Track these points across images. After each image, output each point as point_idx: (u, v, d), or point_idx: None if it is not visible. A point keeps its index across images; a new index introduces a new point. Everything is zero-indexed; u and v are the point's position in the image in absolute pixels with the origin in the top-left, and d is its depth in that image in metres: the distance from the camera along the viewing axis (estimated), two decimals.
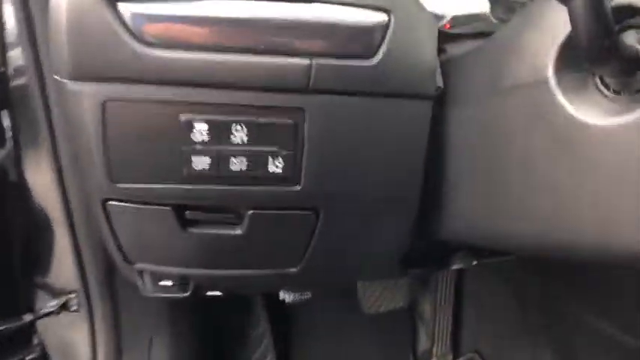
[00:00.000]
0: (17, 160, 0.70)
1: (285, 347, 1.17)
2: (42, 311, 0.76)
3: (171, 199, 0.48)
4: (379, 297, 1.15)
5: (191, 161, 0.46)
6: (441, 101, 0.49)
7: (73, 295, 0.76)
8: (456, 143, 0.49)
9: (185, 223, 0.51)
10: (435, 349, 1.24)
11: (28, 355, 0.81)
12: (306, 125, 0.46)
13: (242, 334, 1.12)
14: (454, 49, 0.51)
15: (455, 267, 0.73)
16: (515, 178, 0.41)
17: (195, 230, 0.51)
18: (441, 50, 0.49)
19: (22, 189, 0.72)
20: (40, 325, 0.79)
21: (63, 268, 0.73)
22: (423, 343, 1.25)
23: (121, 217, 0.49)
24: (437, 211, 0.54)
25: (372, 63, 0.45)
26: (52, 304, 0.77)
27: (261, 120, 0.45)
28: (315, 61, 0.44)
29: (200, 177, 0.47)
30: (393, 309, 1.16)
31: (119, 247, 0.53)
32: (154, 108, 0.44)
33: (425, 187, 0.52)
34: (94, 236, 0.66)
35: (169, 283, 0.58)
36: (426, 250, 0.66)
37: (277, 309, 1.12)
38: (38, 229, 0.72)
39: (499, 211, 0.45)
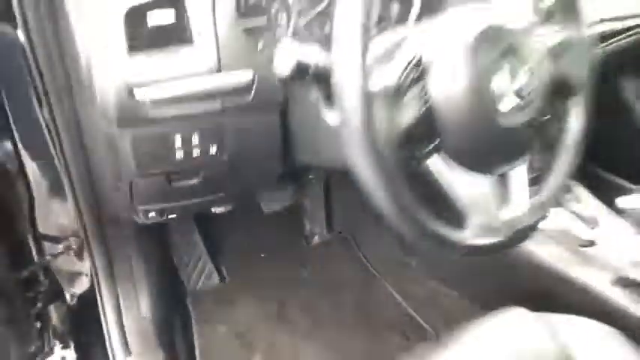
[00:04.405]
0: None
1: (213, 246, 1.58)
2: (54, 253, 1.10)
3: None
4: (273, 200, 1.55)
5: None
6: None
7: (74, 239, 1.11)
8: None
9: (170, 180, 0.83)
10: (316, 230, 1.72)
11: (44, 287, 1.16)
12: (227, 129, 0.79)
13: (183, 247, 1.53)
14: None
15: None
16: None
17: (175, 184, 0.84)
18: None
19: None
20: (53, 266, 1.13)
21: (65, 220, 1.06)
22: (307, 228, 1.72)
23: (139, 184, 0.84)
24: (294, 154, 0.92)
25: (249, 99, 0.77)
26: (60, 247, 1.11)
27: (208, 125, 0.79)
28: (226, 103, 0.75)
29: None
30: (283, 208, 1.57)
31: (132, 198, 0.86)
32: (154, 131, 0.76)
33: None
34: (89, 196, 0.94)
35: (154, 214, 0.93)
36: (294, 169, 0.99)
37: (206, 222, 1.53)
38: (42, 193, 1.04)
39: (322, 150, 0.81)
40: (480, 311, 0.95)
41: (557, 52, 0.69)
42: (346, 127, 0.54)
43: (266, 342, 1.44)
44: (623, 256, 1.06)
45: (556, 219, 1.15)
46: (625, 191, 1.81)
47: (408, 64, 0.59)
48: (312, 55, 0.61)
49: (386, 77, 0.58)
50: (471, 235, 0.64)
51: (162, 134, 0.75)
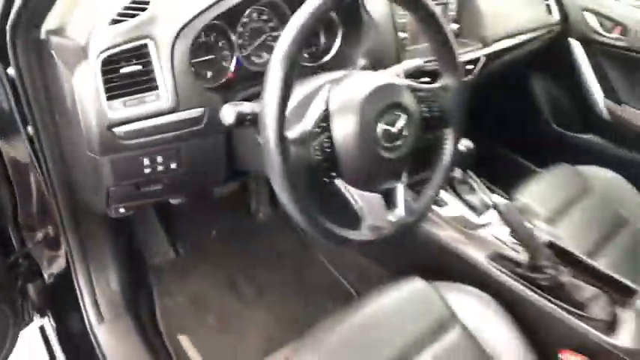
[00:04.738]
0: None
1: (170, 226, 1.77)
2: (35, 240, 1.28)
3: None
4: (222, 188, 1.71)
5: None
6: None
7: (51, 227, 1.29)
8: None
9: (139, 187, 1.02)
10: (260, 208, 1.93)
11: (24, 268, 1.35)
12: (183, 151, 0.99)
13: (144, 229, 1.72)
14: None
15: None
16: None
17: (142, 189, 1.03)
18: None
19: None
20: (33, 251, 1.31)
21: (45, 212, 1.23)
22: (253, 207, 1.93)
23: (114, 191, 1.02)
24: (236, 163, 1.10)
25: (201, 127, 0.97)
26: (39, 235, 1.30)
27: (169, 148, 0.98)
28: (183, 131, 0.95)
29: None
30: (231, 191, 1.76)
31: (107, 201, 1.05)
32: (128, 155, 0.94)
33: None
34: (66, 193, 1.13)
35: (123, 209, 1.12)
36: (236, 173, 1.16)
37: (163, 207, 1.70)
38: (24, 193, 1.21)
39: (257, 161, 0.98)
40: (392, 278, 1.15)
41: (437, 96, 0.93)
42: (268, 161, 0.75)
43: (217, 307, 1.63)
44: (500, 238, 1.28)
45: (453, 207, 1.37)
46: (531, 172, 2.12)
47: (320, 113, 0.81)
48: (248, 108, 0.82)
49: (303, 124, 0.80)
50: (365, 233, 0.87)
51: (134, 157, 0.94)
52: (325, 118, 0.81)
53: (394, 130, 0.83)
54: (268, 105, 0.72)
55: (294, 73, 0.74)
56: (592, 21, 1.87)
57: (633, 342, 0.99)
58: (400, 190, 0.91)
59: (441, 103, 0.93)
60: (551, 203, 1.50)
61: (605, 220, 1.51)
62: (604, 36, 1.85)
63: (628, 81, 1.88)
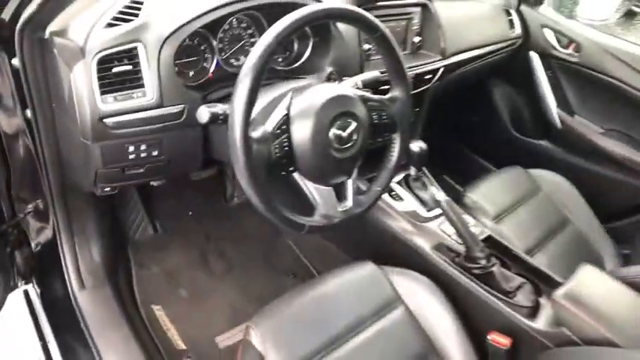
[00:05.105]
0: None
1: (149, 205, 1.88)
2: (25, 211, 1.41)
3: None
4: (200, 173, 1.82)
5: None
6: None
7: (40, 200, 1.41)
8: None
9: (124, 170, 1.13)
10: (236, 193, 2.04)
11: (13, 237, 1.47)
12: (165, 140, 1.11)
13: (125, 206, 1.83)
14: None
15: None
16: None
17: (127, 172, 1.14)
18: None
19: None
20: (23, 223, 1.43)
21: (35, 186, 1.35)
22: (229, 192, 2.04)
23: (102, 172, 1.14)
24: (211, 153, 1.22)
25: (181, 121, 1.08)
26: (29, 207, 1.42)
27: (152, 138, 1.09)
28: (165, 124, 1.06)
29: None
30: (207, 176, 1.87)
31: (95, 181, 1.16)
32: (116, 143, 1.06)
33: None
34: (57, 171, 1.25)
35: (109, 189, 1.23)
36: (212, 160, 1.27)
37: (144, 188, 1.81)
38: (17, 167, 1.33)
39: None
40: (349, 260, 1.28)
41: (386, 105, 1.07)
42: (233, 156, 0.87)
43: (189, 281, 1.75)
44: (444, 230, 1.41)
45: (408, 202, 1.52)
46: (488, 170, 2.27)
47: (281, 117, 0.95)
48: (220, 109, 0.95)
49: (265, 126, 0.93)
50: (316, 220, 1.01)
51: (121, 144, 1.06)
52: (286, 121, 0.94)
53: (345, 134, 0.97)
54: (236, 109, 0.85)
55: (260, 83, 0.86)
56: (550, 37, 2.03)
57: (549, 325, 1.12)
58: (350, 185, 1.05)
59: (390, 111, 1.08)
60: (500, 201, 1.64)
61: (549, 220, 1.65)
62: (560, 51, 2.00)
63: (580, 94, 2.04)
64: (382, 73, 1.20)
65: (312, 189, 1.01)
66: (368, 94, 1.05)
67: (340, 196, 1.05)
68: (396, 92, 1.09)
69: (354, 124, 0.98)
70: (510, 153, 2.24)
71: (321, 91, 0.98)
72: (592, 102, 2.00)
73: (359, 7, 0.98)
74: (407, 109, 1.11)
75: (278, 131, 0.93)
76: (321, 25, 1.29)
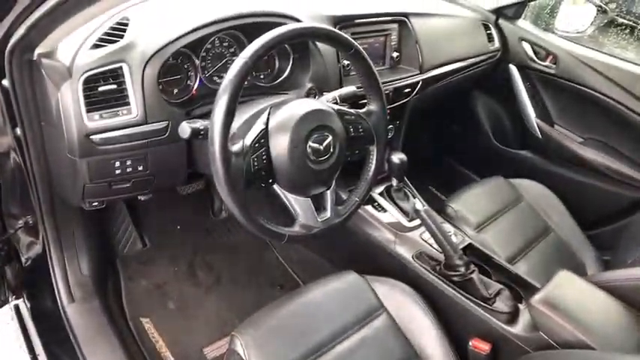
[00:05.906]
0: None
1: (138, 219, 1.90)
2: (15, 226, 1.43)
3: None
4: (190, 186, 1.89)
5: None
6: None
7: (30, 216, 1.44)
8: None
9: (111, 185, 1.16)
10: (223, 206, 2.07)
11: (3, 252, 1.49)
12: (150, 156, 1.13)
13: (114, 221, 1.85)
14: None
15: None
16: None
17: (114, 187, 1.17)
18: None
19: None
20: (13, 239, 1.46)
21: (25, 203, 1.38)
22: (216, 205, 2.07)
23: (89, 187, 1.16)
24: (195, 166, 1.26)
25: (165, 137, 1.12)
26: (20, 222, 1.45)
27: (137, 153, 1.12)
28: (150, 140, 1.10)
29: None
30: (195, 191, 1.92)
31: (83, 196, 1.19)
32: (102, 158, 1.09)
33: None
34: (46, 187, 1.28)
35: (96, 203, 1.27)
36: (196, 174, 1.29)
37: (132, 202, 1.84)
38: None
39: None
40: (334, 270, 1.30)
41: (362, 119, 1.11)
42: (213, 169, 0.91)
43: (177, 293, 1.78)
44: (425, 239, 1.44)
45: (389, 212, 1.55)
46: (471, 180, 2.31)
47: (260, 131, 0.99)
48: (201, 125, 0.99)
49: (244, 140, 0.97)
50: (295, 230, 1.04)
51: (107, 160, 1.09)
52: (264, 135, 0.98)
53: (322, 147, 1.01)
54: (215, 124, 0.90)
55: (237, 100, 0.91)
56: (528, 49, 2.09)
57: (527, 330, 1.15)
58: (329, 196, 1.09)
59: (366, 124, 1.12)
60: (482, 211, 1.67)
61: (531, 228, 1.69)
62: (538, 63, 2.06)
63: (559, 104, 2.09)
64: (358, 88, 1.24)
65: (291, 200, 1.04)
66: (344, 109, 1.09)
67: (320, 206, 1.09)
68: (371, 106, 1.13)
69: (330, 138, 1.02)
70: (493, 163, 2.29)
71: (297, 106, 1.02)
72: (570, 112, 2.05)
73: (337, 24, 1.03)
74: (383, 121, 1.15)
75: (257, 145, 0.97)
76: (299, 43, 1.34)
